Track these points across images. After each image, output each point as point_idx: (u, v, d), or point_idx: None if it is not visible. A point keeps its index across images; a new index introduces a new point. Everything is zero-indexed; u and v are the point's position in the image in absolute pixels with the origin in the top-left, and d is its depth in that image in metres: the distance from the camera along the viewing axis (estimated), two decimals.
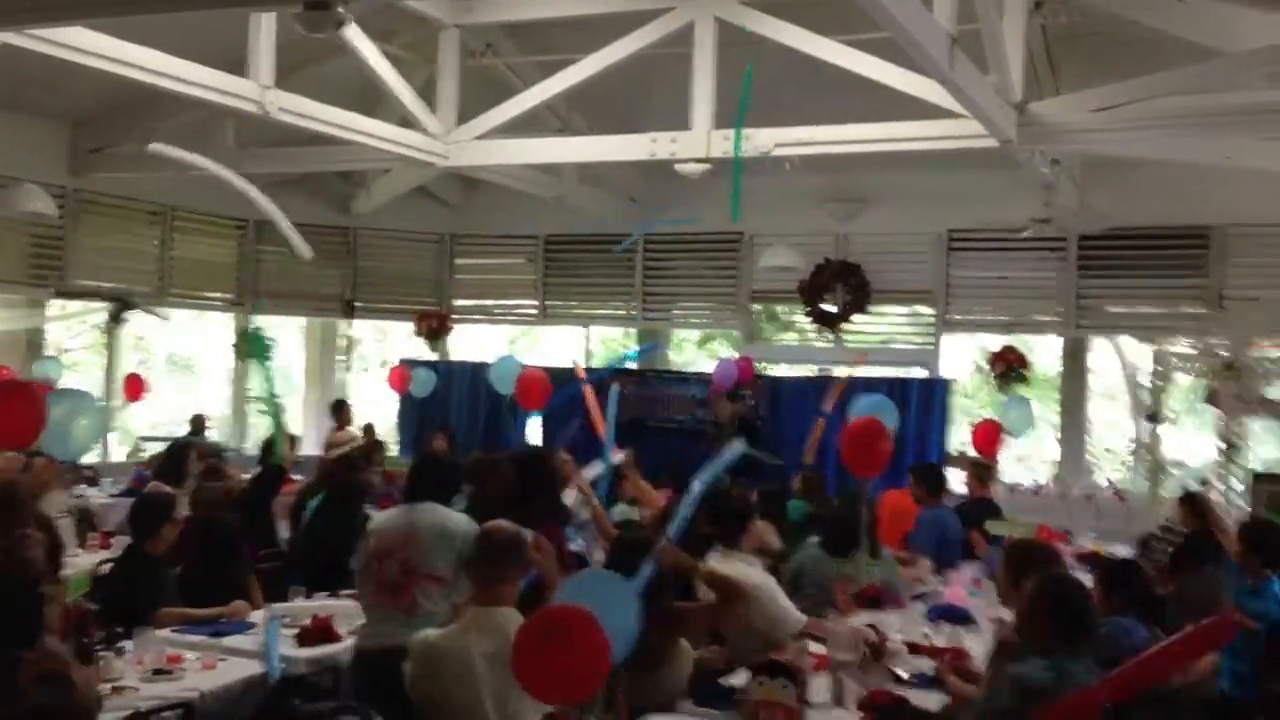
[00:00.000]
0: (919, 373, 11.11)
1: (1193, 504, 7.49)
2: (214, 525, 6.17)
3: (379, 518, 5.38)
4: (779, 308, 12.40)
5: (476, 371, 11.48)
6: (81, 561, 6.67)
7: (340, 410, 11.50)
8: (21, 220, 9.81)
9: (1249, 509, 8.91)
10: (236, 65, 7.44)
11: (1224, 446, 9.58)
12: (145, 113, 9.63)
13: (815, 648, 4.80)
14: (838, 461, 7.68)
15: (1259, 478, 9.42)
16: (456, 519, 5.07)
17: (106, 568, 6.13)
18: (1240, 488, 9.45)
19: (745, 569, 5.45)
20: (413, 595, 4.81)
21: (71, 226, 10.54)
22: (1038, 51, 7.79)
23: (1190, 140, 7.29)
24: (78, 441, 6.52)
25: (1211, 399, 9.40)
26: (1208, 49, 6.96)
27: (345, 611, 5.51)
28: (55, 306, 10.90)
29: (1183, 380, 10.00)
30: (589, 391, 8.67)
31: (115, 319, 10.97)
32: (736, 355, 11.19)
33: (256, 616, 5.50)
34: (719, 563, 5.49)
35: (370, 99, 9.01)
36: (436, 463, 5.89)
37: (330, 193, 12.28)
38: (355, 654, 4.94)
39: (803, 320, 11.67)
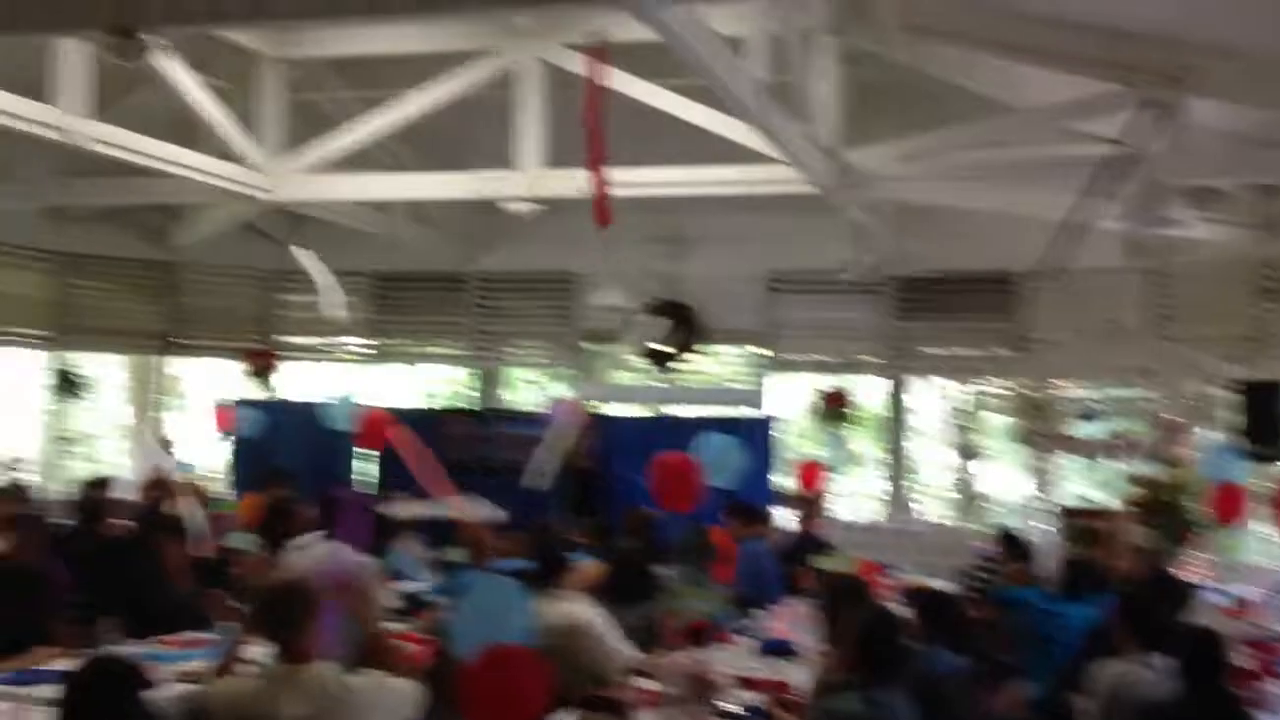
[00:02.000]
0: (749, 412, 11.35)
1: (1008, 541, 7.83)
2: (13, 570, 5.85)
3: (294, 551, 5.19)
4: (612, 347, 12.51)
5: (307, 411, 11.15)
6: None
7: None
8: None
9: (1059, 541, 9.37)
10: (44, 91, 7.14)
11: (1034, 482, 10.08)
12: None
13: (646, 684, 4.82)
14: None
15: (1066, 512, 9.94)
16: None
17: None
18: (1049, 522, 9.95)
19: (571, 608, 5.44)
20: None
21: None
22: (850, 101, 8.11)
23: (990, 191, 7.70)
24: None
25: (1019, 437, 9.89)
26: (1004, 104, 7.38)
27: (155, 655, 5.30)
28: None
29: (994, 419, 10.48)
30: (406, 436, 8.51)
31: None
32: (569, 395, 11.21)
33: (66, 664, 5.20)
34: (544, 605, 5.46)
35: (193, 131, 8.75)
36: (332, 503, 5.74)
37: (148, 226, 11.83)
38: None
39: (638, 360, 11.79)
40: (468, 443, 11.06)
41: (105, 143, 7.43)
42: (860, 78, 8.47)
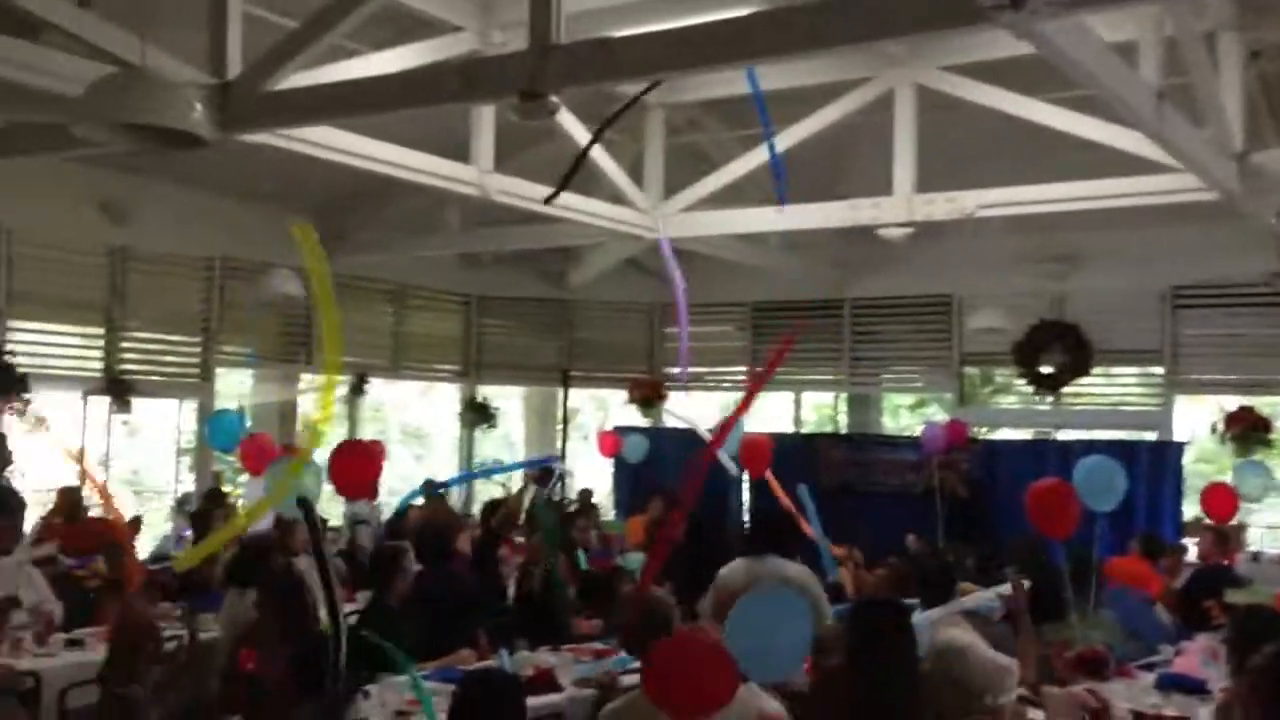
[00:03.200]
0: (1149, 436, 10.65)
1: None
2: (449, 578, 6.52)
3: (724, 569, 5.52)
4: (996, 370, 12.14)
5: (690, 437, 11.62)
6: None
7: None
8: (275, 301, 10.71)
9: None
10: (460, 152, 8.00)
11: None
12: (379, 200, 10.45)
13: (1034, 714, 4.70)
14: None
15: None
16: (794, 569, 5.22)
17: (352, 619, 6.54)
18: None
19: (953, 632, 5.37)
20: None
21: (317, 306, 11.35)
22: (1258, 100, 7.47)
23: None
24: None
25: None
26: None
27: (565, 663, 5.82)
28: (304, 380, 11.82)
29: None
30: (771, 478, 8.73)
31: (356, 391, 11.77)
32: (947, 419, 10.99)
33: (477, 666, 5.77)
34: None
35: (582, 178, 9.43)
36: (775, 517, 6.05)
37: (545, 267, 12.86)
38: None
39: (1022, 383, 11.38)
40: (843, 467, 11.15)
41: (512, 194, 8.19)
42: (1267, 73, 7.80)
